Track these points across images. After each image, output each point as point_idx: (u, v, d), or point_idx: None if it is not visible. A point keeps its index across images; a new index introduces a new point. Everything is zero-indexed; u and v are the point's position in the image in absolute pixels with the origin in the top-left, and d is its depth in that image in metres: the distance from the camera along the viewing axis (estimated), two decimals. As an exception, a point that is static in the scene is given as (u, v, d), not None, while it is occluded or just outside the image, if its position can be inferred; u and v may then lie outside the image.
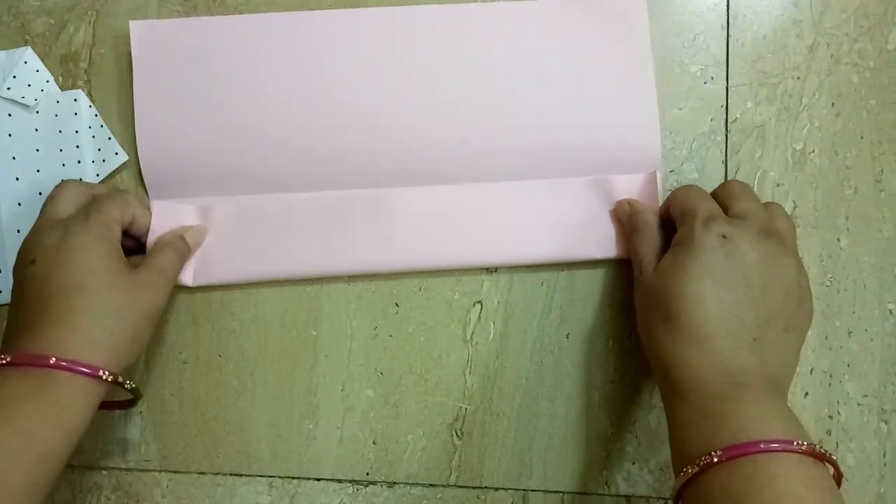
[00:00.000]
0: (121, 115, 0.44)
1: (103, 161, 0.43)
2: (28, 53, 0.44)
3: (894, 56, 0.44)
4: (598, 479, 0.42)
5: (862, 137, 0.43)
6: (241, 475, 0.43)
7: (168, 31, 0.43)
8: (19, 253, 0.37)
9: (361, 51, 0.43)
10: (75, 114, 0.44)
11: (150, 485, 0.43)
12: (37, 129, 0.43)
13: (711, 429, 0.31)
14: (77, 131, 0.43)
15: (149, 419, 0.43)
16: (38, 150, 0.43)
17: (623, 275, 0.43)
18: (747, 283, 0.34)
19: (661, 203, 0.41)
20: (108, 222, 0.37)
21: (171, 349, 0.43)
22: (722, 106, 0.44)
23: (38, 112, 0.44)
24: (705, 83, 0.44)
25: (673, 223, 0.38)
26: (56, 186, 0.39)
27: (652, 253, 0.38)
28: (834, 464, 0.31)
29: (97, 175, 0.43)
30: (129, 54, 0.44)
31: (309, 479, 0.43)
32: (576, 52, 0.43)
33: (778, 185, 0.43)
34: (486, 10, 0.43)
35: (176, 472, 0.43)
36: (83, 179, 0.43)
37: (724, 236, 0.35)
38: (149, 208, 0.42)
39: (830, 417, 0.42)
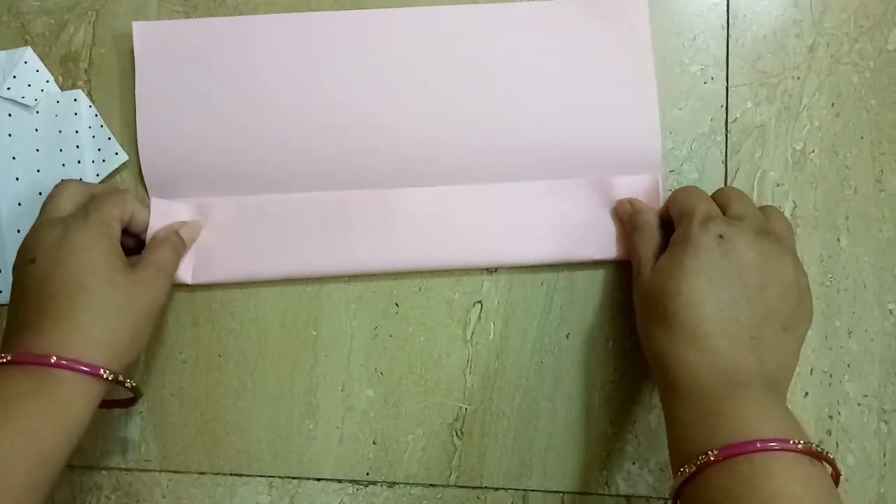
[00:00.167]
0: (121, 115, 0.44)
1: (103, 161, 0.43)
2: (28, 53, 0.44)
3: (894, 56, 0.44)
4: (598, 479, 0.42)
5: (862, 137, 0.43)
6: (241, 475, 0.43)
7: (170, 32, 0.43)
8: (19, 252, 0.37)
9: (362, 51, 0.43)
10: (75, 114, 0.44)
11: (150, 485, 0.43)
12: (37, 129, 0.44)
13: (709, 428, 0.31)
14: (77, 131, 0.44)
15: (149, 419, 0.43)
16: (38, 150, 0.43)
17: (623, 275, 0.43)
18: (744, 282, 0.34)
19: (661, 204, 0.41)
20: (107, 220, 0.37)
21: (171, 349, 0.43)
22: (722, 106, 0.44)
23: (38, 112, 0.44)
24: (705, 83, 0.44)
25: (673, 224, 0.38)
26: (56, 186, 0.39)
27: (651, 253, 0.38)
28: (831, 462, 0.31)
29: (97, 175, 0.43)
30: (130, 54, 0.44)
31: (309, 479, 0.43)
32: (576, 53, 0.43)
33: (778, 185, 0.43)
34: (487, 11, 0.43)
35: (176, 472, 0.43)
36: (83, 179, 0.43)
37: (721, 236, 0.35)
38: (148, 207, 0.42)
39: (830, 417, 0.42)
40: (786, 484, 0.29)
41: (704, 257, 0.35)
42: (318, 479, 0.43)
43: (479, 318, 0.43)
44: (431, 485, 0.42)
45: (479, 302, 0.43)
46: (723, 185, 0.43)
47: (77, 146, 0.43)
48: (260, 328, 0.43)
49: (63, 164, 0.43)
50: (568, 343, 0.43)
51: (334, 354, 0.43)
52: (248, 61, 0.43)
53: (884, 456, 0.42)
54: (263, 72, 0.43)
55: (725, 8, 0.44)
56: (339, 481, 0.43)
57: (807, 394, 0.42)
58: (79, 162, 0.43)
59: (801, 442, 0.30)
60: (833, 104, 0.43)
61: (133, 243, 0.41)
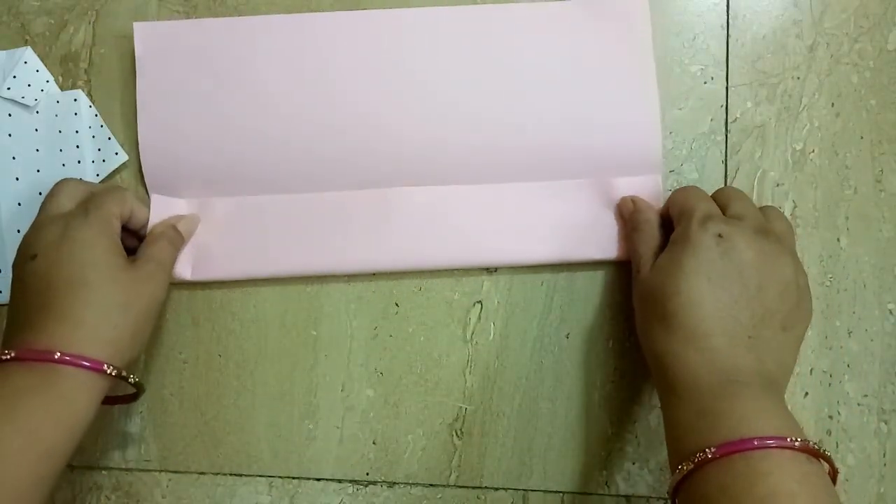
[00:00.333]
0: (121, 115, 0.44)
1: (103, 161, 0.43)
2: (28, 53, 0.44)
3: (894, 56, 0.44)
4: (598, 479, 0.42)
5: (862, 137, 0.43)
6: (241, 475, 0.43)
7: (171, 33, 0.43)
8: (20, 249, 0.37)
9: (362, 52, 0.43)
10: (75, 114, 0.44)
11: (150, 485, 0.43)
12: (37, 129, 0.44)
13: (707, 426, 0.31)
14: (77, 131, 0.44)
15: (149, 419, 0.43)
16: (38, 150, 0.43)
17: (623, 275, 0.43)
18: (743, 281, 0.34)
19: (662, 204, 0.41)
20: (108, 217, 0.37)
21: (171, 349, 0.43)
22: (722, 106, 0.44)
23: (38, 112, 0.44)
24: (705, 83, 0.44)
25: (673, 223, 0.38)
26: (55, 184, 0.39)
27: (650, 252, 0.38)
28: (829, 460, 0.31)
29: (97, 175, 0.43)
30: (130, 54, 0.44)
31: (309, 479, 0.43)
32: (577, 53, 0.43)
33: (778, 185, 0.43)
34: (487, 11, 0.43)
35: (176, 472, 0.43)
36: (83, 179, 0.43)
37: (720, 235, 0.35)
38: (147, 205, 0.42)
39: (830, 417, 0.42)
40: (783, 481, 0.29)
41: (703, 257, 0.35)
42: (318, 479, 0.43)
43: (479, 318, 0.43)
44: (431, 485, 0.42)
45: (479, 302, 0.43)
46: (723, 185, 0.43)
47: (77, 146, 0.43)
48: (260, 328, 0.43)
49: (63, 164, 0.43)
50: (568, 343, 0.43)
51: (334, 354, 0.43)
52: (249, 61, 0.43)
53: (884, 456, 0.42)
54: (264, 72, 0.43)
55: (725, 8, 0.44)
56: (339, 481, 0.43)
57: (807, 394, 0.42)
58: (79, 162, 0.43)
59: (799, 440, 0.30)
60: (833, 104, 0.43)
61: (132, 241, 0.41)
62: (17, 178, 0.43)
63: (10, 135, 0.43)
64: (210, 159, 0.43)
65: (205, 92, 0.43)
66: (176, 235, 0.41)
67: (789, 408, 0.33)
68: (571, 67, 0.43)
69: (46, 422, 0.32)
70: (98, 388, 0.34)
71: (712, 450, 0.30)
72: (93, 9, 0.45)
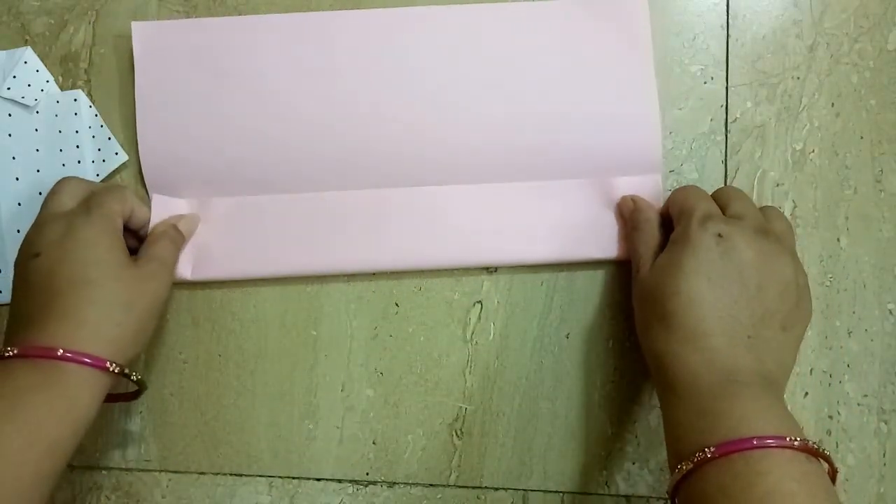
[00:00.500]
0: (121, 115, 0.44)
1: (103, 161, 0.43)
2: (28, 53, 0.44)
3: (894, 56, 0.44)
4: (598, 479, 0.42)
5: (862, 137, 0.43)
6: (241, 475, 0.43)
7: (170, 32, 0.43)
8: (22, 247, 0.37)
9: (361, 52, 0.43)
10: (75, 114, 0.44)
11: (150, 485, 0.43)
12: (37, 129, 0.44)
13: (706, 426, 0.32)
14: (77, 131, 0.44)
15: (149, 419, 0.43)
16: (38, 150, 0.43)
17: (623, 275, 0.43)
18: (743, 281, 0.34)
19: (662, 204, 0.41)
20: (110, 216, 0.37)
21: (171, 349, 0.43)
22: (722, 106, 0.44)
23: (38, 112, 0.44)
24: (705, 83, 0.44)
25: (673, 223, 0.38)
26: (56, 183, 0.39)
27: (650, 251, 0.38)
28: (828, 460, 0.31)
29: (97, 175, 0.43)
30: (130, 54, 0.44)
31: (309, 479, 0.43)
32: (577, 53, 0.43)
33: (778, 185, 0.43)
34: (487, 11, 0.43)
35: (176, 472, 0.43)
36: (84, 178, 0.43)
37: (720, 235, 0.35)
38: (147, 204, 0.42)
39: (830, 417, 0.42)
40: (782, 481, 0.29)
41: (703, 256, 0.35)
42: (318, 479, 0.43)
43: (479, 318, 0.43)
44: (431, 485, 0.42)
45: (479, 302, 0.43)
46: (723, 185, 0.43)
47: (77, 146, 0.43)
48: (260, 328, 0.43)
49: (63, 165, 0.43)
50: (568, 343, 0.43)
51: (334, 354, 0.43)
52: (248, 61, 0.43)
53: (884, 456, 0.42)
54: (263, 71, 0.43)
55: (725, 8, 0.44)
56: (339, 481, 0.43)
57: (807, 394, 0.42)
58: (79, 162, 0.43)
59: (798, 439, 0.30)
60: (833, 104, 0.43)
61: (131, 241, 0.41)
62: (17, 178, 0.43)
63: (10, 135, 0.43)
64: (210, 159, 0.43)
65: (204, 92, 0.43)
66: (177, 235, 0.41)
67: (789, 408, 0.33)
68: (571, 67, 0.43)
69: (49, 419, 0.32)
70: (100, 386, 0.34)
71: (712, 449, 0.30)
72: (93, 9, 0.45)
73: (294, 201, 0.43)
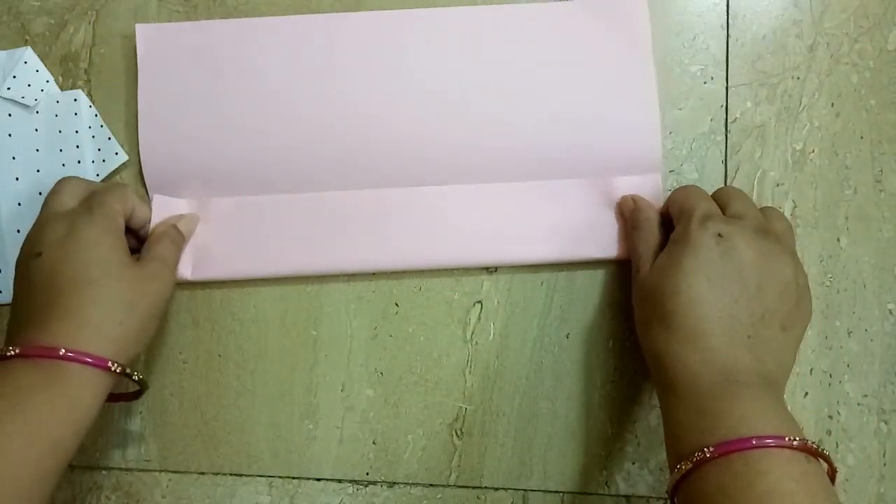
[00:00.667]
0: (121, 115, 0.44)
1: (103, 161, 0.43)
2: (28, 53, 0.44)
3: (894, 56, 0.44)
4: (598, 479, 0.42)
5: (862, 137, 0.43)
6: (241, 475, 0.43)
7: (172, 34, 0.43)
8: (24, 246, 0.37)
9: (362, 53, 0.43)
10: (75, 114, 0.44)
11: (150, 485, 0.43)
12: (37, 129, 0.44)
13: (706, 426, 0.32)
14: (77, 131, 0.44)
15: (149, 419, 0.43)
16: (38, 150, 0.43)
17: (623, 275, 0.43)
18: (743, 281, 0.34)
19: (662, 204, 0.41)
20: (112, 215, 0.37)
21: (171, 349, 0.43)
22: (722, 106, 0.44)
23: (38, 112, 0.44)
24: (705, 83, 0.44)
25: (673, 222, 0.38)
26: (57, 182, 0.39)
27: (650, 251, 0.38)
28: (828, 459, 0.31)
29: (97, 175, 0.43)
30: (130, 54, 0.44)
31: (309, 479, 0.43)
32: (577, 53, 0.43)
33: (778, 185, 0.43)
34: (487, 12, 0.43)
35: (176, 472, 0.43)
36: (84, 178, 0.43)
37: (720, 235, 0.35)
38: (147, 202, 0.42)
39: (830, 417, 0.42)
40: (781, 480, 0.29)
41: (703, 256, 0.35)
42: (318, 479, 0.43)
43: (479, 318, 0.43)
44: (431, 485, 0.42)
45: (479, 302, 0.43)
46: (723, 185, 0.43)
47: (77, 146, 0.43)
48: (260, 328, 0.43)
49: (63, 165, 0.43)
50: (568, 343, 0.43)
51: (334, 354, 0.43)
52: (249, 62, 0.43)
53: (884, 456, 0.42)
54: (264, 73, 0.43)
55: (725, 8, 0.44)
56: (339, 481, 0.43)
57: (807, 394, 0.42)
58: (79, 162, 0.43)
59: (797, 439, 0.30)
60: (833, 104, 0.43)
61: (131, 241, 0.41)
62: (17, 178, 0.43)
63: (10, 135, 0.43)
64: (210, 159, 0.43)
65: (205, 92, 0.43)
66: (177, 235, 0.41)
67: (789, 408, 0.33)
68: (571, 67, 0.43)
69: (51, 418, 0.32)
70: (102, 385, 0.34)
71: (711, 449, 0.30)
72: (93, 9, 0.45)
73: (294, 201, 0.43)
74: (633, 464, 0.42)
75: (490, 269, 0.43)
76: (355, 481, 0.43)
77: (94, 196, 0.38)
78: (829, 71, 0.44)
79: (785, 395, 0.35)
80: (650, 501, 0.42)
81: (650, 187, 0.42)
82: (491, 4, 0.43)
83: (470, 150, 0.43)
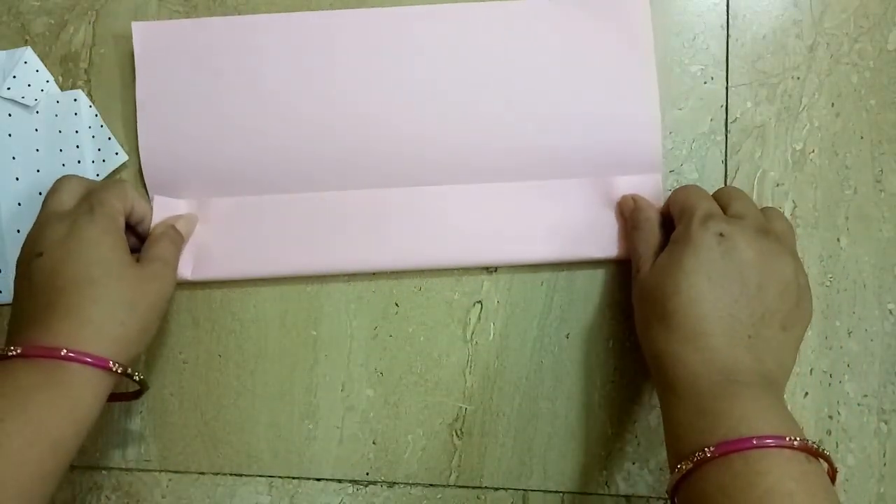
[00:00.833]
0: (121, 115, 0.44)
1: (103, 161, 0.43)
2: (28, 53, 0.44)
3: (894, 56, 0.44)
4: (598, 479, 0.42)
5: (862, 137, 0.43)
6: (241, 475, 0.43)
7: (170, 33, 0.43)
8: (25, 246, 0.37)
9: (362, 51, 0.43)
10: (75, 114, 0.44)
11: (150, 485, 0.43)
12: (37, 129, 0.44)
13: (706, 426, 0.32)
14: (77, 131, 0.44)
15: (149, 419, 0.43)
16: (38, 150, 0.43)
17: (623, 275, 0.43)
18: (743, 281, 0.34)
19: (661, 205, 0.41)
20: (113, 215, 0.38)
21: (171, 349, 0.43)
22: (722, 106, 0.44)
23: (38, 112, 0.44)
24: (705, 83, 0.44)
25: (673, 222, 0.38)
26: (56, 181, 0.39)
27: (650, 251, 0.38)
28: (828, 459, 0.31)
29: (97, 175, 0.43)
30: (130, 54, 0.44)
31: (309, 479, 0.43)
32: (577, 52, 0.43)
33: (778, 185, 0.43)
34: (487, 10, 0.43)
35: (176, 472, 0.43)
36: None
37: (721, 234, 0.35)
38: (145, 198, 0.42)
39: (830, 417, 0.42)
40: (781, 480, 0.29)
41: (704, 256, 0.35)
42: (318, 479, 0.43)
43: (479, 318, 0.43)
44: (431, 485, 0.42)
45: (479, 302, 0.43)
46: (723, 185, 0.43)
47: (77, 146, 0.43)
48: (260, 328, 0.43)
49: (63, 165, 0.43)
50: (568, 343, 0.43)
51: (334, 354, 0.43)
52: (248, 61, 0.43)
53: (884, 456, 0.42)
54: (263, 71, 0.43)
55: (725, 8, 0.44)
56: (339, 481, 0.43)
57: (807, 394, 0.42)
58: (79, 162, 0.43)
59: (798, 439, 0.30)
60: (833, 104, 0.43)
61: (132, 239, 0.41)
62: (17, 178, 0.43)
63: (10, 135, 0.43)
64: (210, 159, 0.43)
65: (204, 92, 0.43)
66: (177, 235, 0.41)
67: (789, 408, 0.33)
68: (572, 66, 0.43)
69: (53, 418, 0.32)
70: (104, 386, 0.35)
71: (711, 449, 0.30)
72: (93, 9, 0.45)
73: (294, 201, 0.43)
74: (633, 464, 0.42)
75: (490, 269, 0.43)
76: (355, 481, 0.43)
77: (93, 195, 0.38)
78: (829, 71, 0.44)
79: (785, 395, 0.35)
80: (650, 501, 0.42)
81: (650, 187, 0.42)
82: (491, 3, 0.43)
83: (470, 150, 0.43)
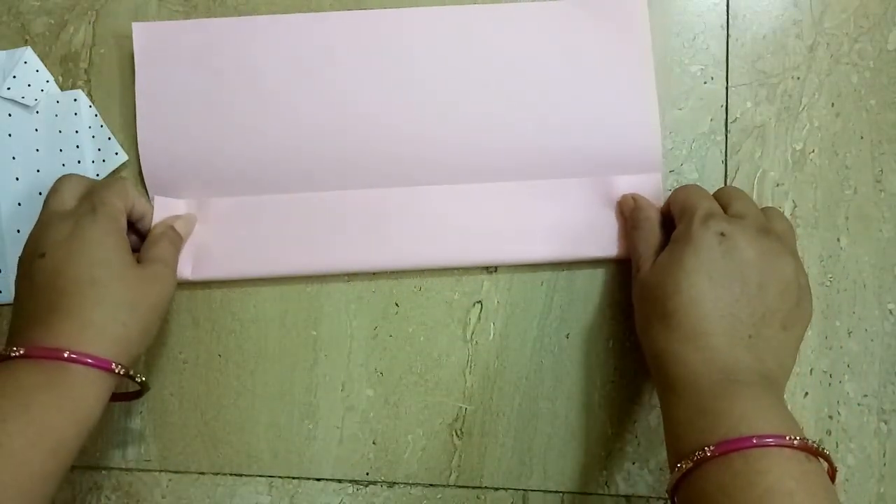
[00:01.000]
0: (121, 115, 0.44)
1: (103, 161, 0.43)
2: (28, 53, 0.44)
3: (894, 56, 0.44)
4: (598, 479, 0.42)
5: (862, 137, 0.43)
6: (241, 475, 0.43)
7: (170, 33, 0.43)
8: (27, 246, 0.37)
9: (362, 52, 0.43)
10: (75, 114, 0.44)
11: (150, 485, 0.43)
12: (37, 129, 0.44)
13: (706, 425, 0.32)
14: (77, 131, 0.44)
15: (149, 419, 0.43)
16: (38, 150, 0.43)
17: (623, 274, 0.43)
18: (744, 280, 0.34)
19: (661, 205, 0.41)
20: (115, 214, 0.38)
21: (171, 349, 0.43)
22: (722, 106, 0.44)
23: (38, 112, 0.44)
24: (705, 83, 0.44)
25: (674, 222, 0.38)
26: (57, 181, 0.39)
27: (651, 250, 0.38)
28: (828, 459, 0.31)
29: (97, 175, 0.43)
30: (130, 54, 0.44)
31: (309, 479, 0.43)
32: (576, 53, 0.43)
33: (778, 185, 0.43)
34: (487, 11, 0.43)
35: (176, 472, 0.43)
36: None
37: (722, 234, 0.35)
38: (145, 195, 0.42)
39: (830, 417, 0.42)
40: (781, 479, 0.29)
41: (705, 255, 0.35)
42: (318, 479, 0.43)
43: (479, 318, 0.43)
44: (431, 485, 0.42)
45: (479, 302, 0.43)
46: (723, 185, 0.43)
47: (77, 146, 0.43)
48: (260, 328, 0.43)
49: (63, 164, 0.43)
50: (568, 343, 0.43)
51: (334, 354, 0.43)
52: (248, 61, 0.43)
53: (884, 456, 0.42)
54: (263, 72, 0.43)
55: (725, 8, 0.44)
56: (339, 481, 0.43)
57: (807, 394, 0.42)
58: (79, 162, 0.43)
59: (798, 438, 0.30)
60: (833, 104, 0.43)
61: (131, 236, 0.41)
62: (17, 178, 0.43)
63: (10, 135, 0.43)
64: (210, 159, 0.43)
65: (204, 92, 0.43)
66: (176, 236, 0.41)
67: (789, 408, 0.33)
68: (571, 66, 0.43)
69: (55, 419, 0.32)
70: (105, 387, 0.35)
71: (711, 448, 0.30)
72: (93, 9, 0.45)
73: (294, 201, 0.43)
74: (633, 464, 0.42)
75: (490, 269, 0.43)
76: (355, 481, 0.43)
77: (95, 194, 0.38)
78: (829, 71, 0.44)
79: (785, 395, 0.35)
80: (650, 501, 0.42)
81: (650, 187, 0.42)
82: (491, 4, 0.43)
83: (470, 150, 0.43)
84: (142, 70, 0.43)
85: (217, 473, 0.43)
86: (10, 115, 0.43)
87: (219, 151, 0.43)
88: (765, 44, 0.44)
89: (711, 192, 0.39)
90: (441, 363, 0.43)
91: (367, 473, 0.43)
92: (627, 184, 0.42)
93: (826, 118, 0.43)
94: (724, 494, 0.29)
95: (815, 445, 0.30)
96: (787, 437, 0.30)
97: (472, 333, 0.43)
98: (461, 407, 0.43)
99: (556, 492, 0.42)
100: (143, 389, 0.38)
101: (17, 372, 0.33)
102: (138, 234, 0.41)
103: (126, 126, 0.44)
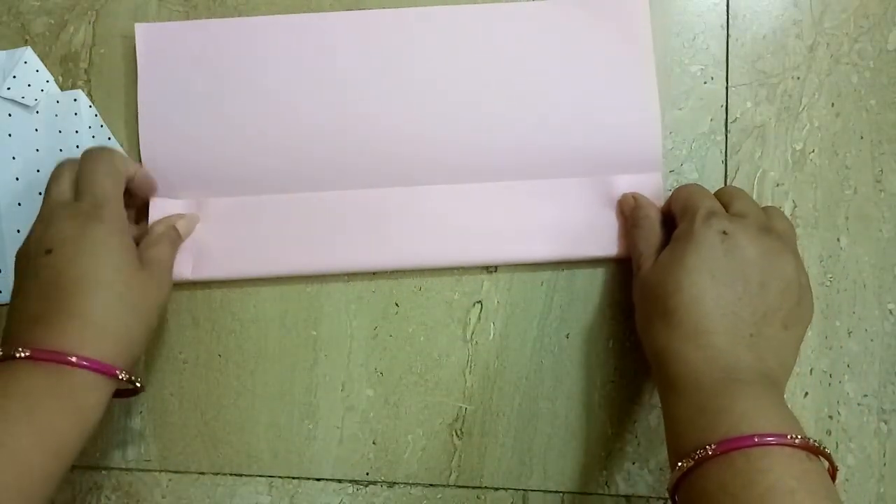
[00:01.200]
0: (121, 115, 0.44)
1: (103, 161, 0.43)
2: (28, 53, 0.44)
3: (894, 56, 0.44)
4: (598, 479, 0.42)
5: (862, 137, 0.43)
6: (241, 475, 0.43)
7: (172, 34, 0.43)
8: (30, 241, 0.36)
9: (363, 52, 0.43)
10: (75, 114, 0.44)
11: (150, 485, 0.43)
12: (37, 129, 0.44)
13: (707, 423, 0.32)
14: (77, 131, 0.44)
15: (149, 419, 0.43)
16: (38, 150, 0.43)
17: (623, 274, 0.43)
18: (746, 279, 0.34)
19: (661, 204, 0.41)
20: (119, 212, 0.37)
21: (171, 349, 0.43)
22: (722, 106, 0.44)
23: (38, 112, 0.44)
24: (705, 83, 0.44)
25: (675, 221, 0.38)
26: (55, 169, 0.39)
27: (651, 249, 0.38)
28: (829, 458, 0.31)
29: (97, 175, 0.43)
30: (130, 54, 0.44)
31: (309, 479, 0.43)
32: (577, 52, 0.43)
33: (778, 185, 0.43)
34: (487, 11, 0.43)
35: (176, 472, 0.43)
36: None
37: (724, 232, 0.35)
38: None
39: (830, 417, 0.42)
40: (782, 478, 0.29)
41: (707, 254, 0.35)
42: (318, 479, 0.43)
43: (479, 318, 0.43)
44: (431, 485, 0.42)
45: (479, 302, 0.43)
46: (723, 185, 0.43)
47: (77, 146, 0.43)
48: (260, 328, 0.43)
49: (63, 164, 0.43)
50: (568, 343, 0.43)
51: (334, 354, 0.43)
52: (249, 62, 0.43)
53: (884, 456, 0.42)
54: (264, 72, 0.43)
55: (725, 8, 0.44)
56: (339, 481, 0.43)
57: (807, 394, 0.42)
58: (79, 162, 0.43)
59: (799, 437, 0.30)
60: (833, 104, 0.43)
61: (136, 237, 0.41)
62: (17, 178, 0.43)
63: (10, 135, 0.43)
64: (210, 159, 0.43)
65: (205, 92, 0.43)
66: (176, 236, 0.41)
67: (789, 407, 0.33)
68: (572, 66, 0.43)
69: (59, 421, 0.32)
70: (108, 391, 0.35)
71: (712, 447, 0.30)
72: (93, 9, 0.45)
73: (294, 201, 0.43)
74: (633, 464, 0.42)
75: (490, 269, 0.43)
76: (355, 481, 0.43)
77: (92, 184, 0.37)
78: (829, 71, 0.44)
79: (785, 395, 0.35)
80: (650, 501, 0.42)
81: (650, 186, 0.42)
82: (491, 4, 0.43)
83: (470, 150, 0.43)
84: (144, 71, 0.43)
85: (217, 473, 0.43)
86: (10, 115, 0.43)
87: (219, 151, 0.43)
88: (765, 44, 0.44)
89: (712, 192, 0.39)
90: (441, 363, 0.43)
91: (367, 473, 0.43)
92: (627, 183, 0.42)
93: (826, 118, 0.43)
94: (725, 493, 0.29)
95: (816, 444, 0.30)
96: (789, 436, 0.30)
97: (472, 333, 0.43)
98: (461, 407, 0.43)
99: (556, 492, 0.42)
100: (141, 388, 0.38)
101: (21, 373, 0.33)
102: (138, 210, 0.42)
103: (126, 126, 0.44)
